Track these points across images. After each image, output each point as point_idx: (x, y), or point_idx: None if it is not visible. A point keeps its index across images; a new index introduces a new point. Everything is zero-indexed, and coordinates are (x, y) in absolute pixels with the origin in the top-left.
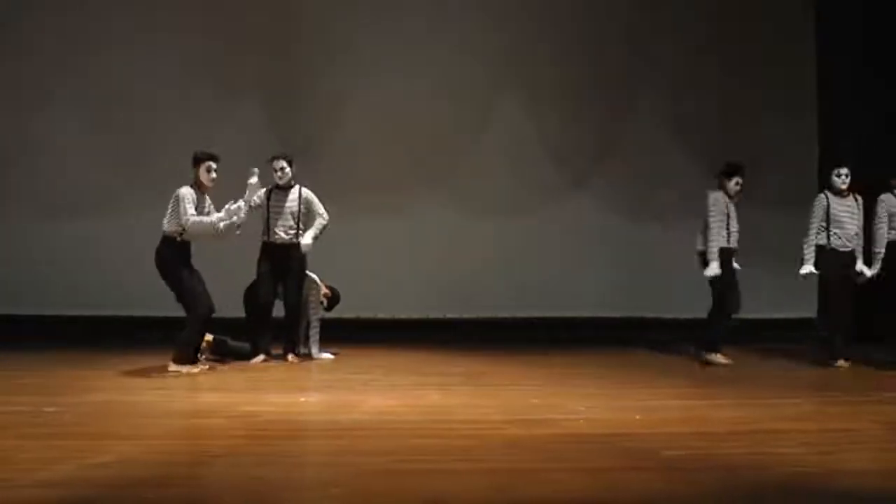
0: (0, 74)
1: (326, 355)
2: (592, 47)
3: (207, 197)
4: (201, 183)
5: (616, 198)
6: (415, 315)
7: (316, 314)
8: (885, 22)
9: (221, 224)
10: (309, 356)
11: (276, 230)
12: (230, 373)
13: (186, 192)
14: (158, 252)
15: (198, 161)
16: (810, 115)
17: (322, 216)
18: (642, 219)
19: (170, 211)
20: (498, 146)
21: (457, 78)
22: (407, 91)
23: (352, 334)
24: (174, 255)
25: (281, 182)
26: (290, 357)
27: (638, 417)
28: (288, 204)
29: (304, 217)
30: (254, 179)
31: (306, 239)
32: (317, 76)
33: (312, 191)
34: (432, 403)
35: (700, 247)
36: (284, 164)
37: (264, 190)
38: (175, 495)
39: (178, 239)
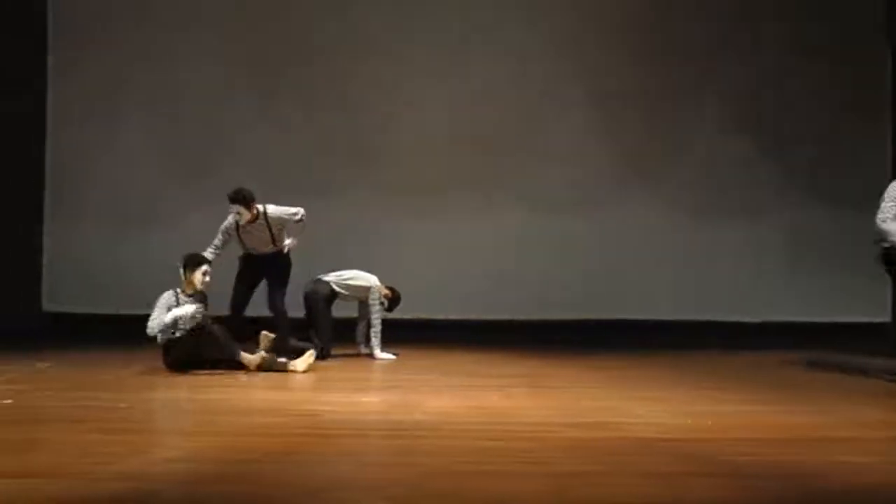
0: (75, 88)
1: (387, 356)
2: (660, 46)
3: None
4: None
5: (684, 198)
6: (474, 316)
7: (377, 315)
8: None
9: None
10: (371, 356)
11: (255, 250)
12: (292, 373)
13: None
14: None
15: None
16: (884, 115)
17: (294, 216)
18: (711, 219)
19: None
20: (563, 144)
21: (514, 77)
22: (469, 89)
23: (412, 335)
24: None
25: (242, 223)
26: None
27: (707, 423)
28: (257, 232)
29: (280, 233)
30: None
31: (288, 244)
32: (366, 77)
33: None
34: (493, 405)
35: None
36: (240, 208)
37: (231, 220)
38: (241, 491)
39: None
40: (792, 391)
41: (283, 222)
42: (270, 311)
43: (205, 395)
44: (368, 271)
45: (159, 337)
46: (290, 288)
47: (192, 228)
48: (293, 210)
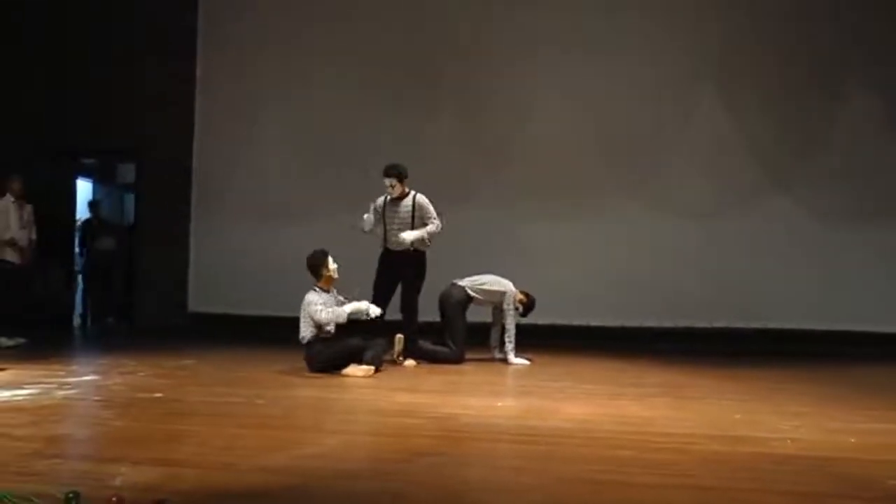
0: (227, 96)
1: (522, 361)
2: (795, 39)
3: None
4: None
5: (823, 199)
6: (608, 323)
7: (511, 320)
8: None
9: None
10: (505, 361)
11: (391, 240)
12: (427, 375)
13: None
14: None
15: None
16: None
17: (433, 221)
18: (853, 221)
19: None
20: (696, 147)
21: (648, 79)
22: (600, 92)
23: (546, 341)
24: None
25: (393, 196)
26: (406, 361)
27: (853, 441)
28: (402, 214)
29: (419, 224)
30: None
31: (409, 235)
32: (503, 82)
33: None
34: (630, 414)
35: None
36: (393, 181)
37: (381, 200)
38: (381, 489)
39: None
40: None
41: (426, 214)
42: (402, 312)
43: (343, 395)
44: (503, 276)
45: (309, 336)
46: (425, 292)
47: (335, 231)
48: (435, 215)
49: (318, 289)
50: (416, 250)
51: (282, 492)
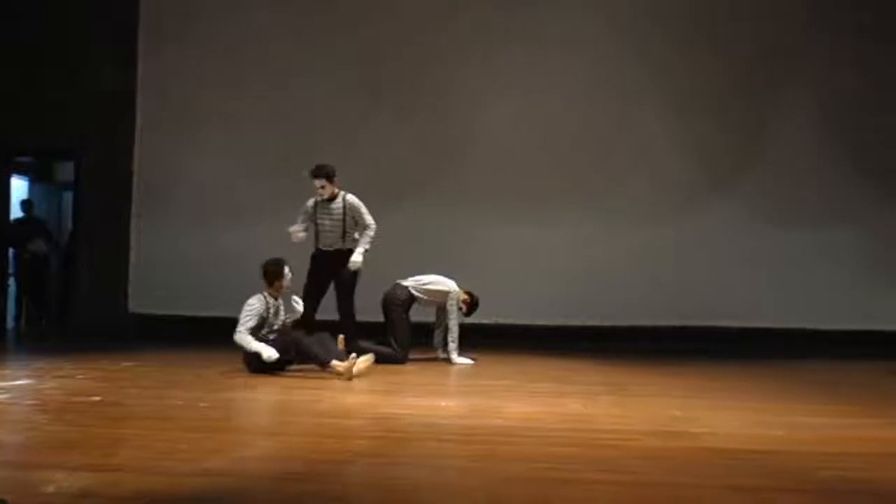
0: (163, 93)
1: (465, 360)
2: (737, 39)
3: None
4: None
5: (759, 202)
6: (552, 322)
7: (455, 320)
8: None
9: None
10: (448, 361)
11: (324, 240)
12: (370, 375)
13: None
14: None
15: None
16: None
17: (368, 219)
18: (794, 221)
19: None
20: (639, 148)
21: (595, 83)
22: (546, 98)
23: (491, 341)
24: None
25: (324, 197)
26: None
27: (786, 434)
28: (334, 215)
29: (352, 226)
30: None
31: (356, 257)
32: (454, 84)
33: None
34: (573, 412)
35: None
36: (323, 181)
37: (311, 202)
38: (322, 491)
39: None
40: (882, 403)
41: (357, 215)
42: (339, 313)
43: (284, 396)
44: (447, 276)
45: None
46: (368, 292)
47: (277, 231)
48: (370, 219)
49: (266, 295)
50: (349, 249)
51: (222, 495)
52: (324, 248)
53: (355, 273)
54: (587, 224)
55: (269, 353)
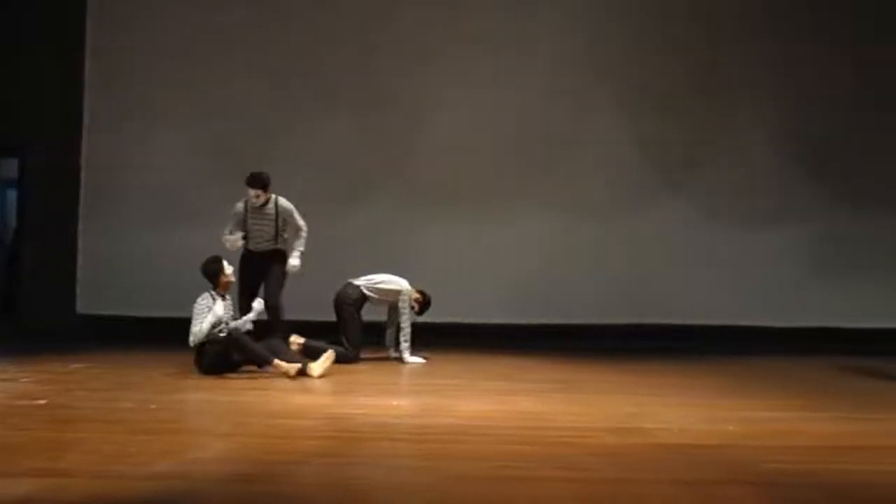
0: (118, 93)
1: (417, 359)
2: (694, 41)
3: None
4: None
5: (713, 201)
6: (505, 320)
7: (407, 319)
8: None
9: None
10: (400, 360)
11: (256, 243)
12: (324, 375)
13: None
14: None
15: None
16: None
17: (300, 222)
18: (743, 221)
19: None
20: (591, 147)
21: (549, 82)
22: (499, 96)
23: (443, 340)
24: None
25: (256, 205)
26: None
27: (734, 429)
28: (265, 220)
29: (283, 228)
30: (258, 307)
31: (294, 261)
32: (403, 82)
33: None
34: (525, 409)
35: None
36: (258, 191)
37: (240, 206)
38: (272, 492)
39: None
40: (830, 398)
41: (289, 217)
42: (267, 310)
43: (235, 397)
44: (400, 275)
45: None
46: (321, 290)
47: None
48: (302, 221)
49: (214, 293)
50: (282, 249)
51: (172, 499)
52: (255, 250)
53: (285, 269)
54: (541, 222)
55: (217, 310)
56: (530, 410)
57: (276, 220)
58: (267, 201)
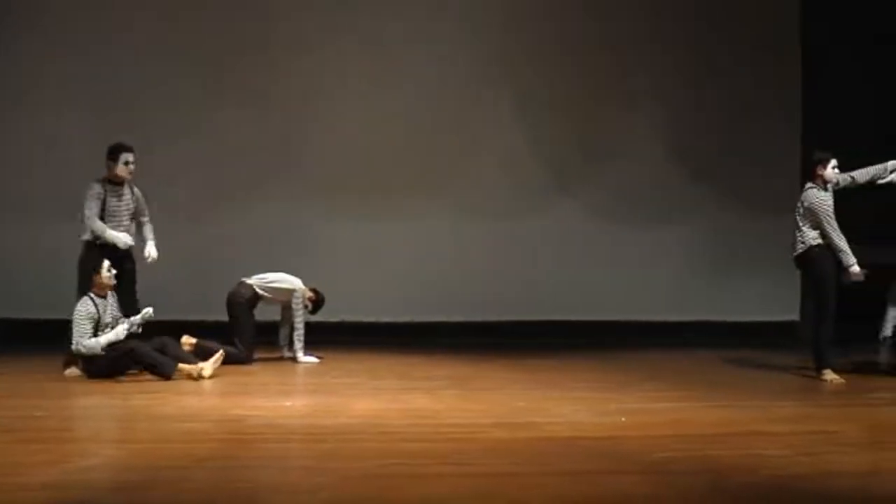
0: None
1: (311, 359)
2: (581, 47)
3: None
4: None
5: (605, 201)
6: (399, 319)
7: (300, 318)
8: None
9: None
10: (294, 360)
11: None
12: (216, 377)
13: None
14: None
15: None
16: (795, 117)
17: (149, 219)
18: (632, 221)
19: None
20: (487, 150)
21: (445, 80)
22: (393, 93)
23: (336, 338)
24: None
25: (129, 178)
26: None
27: (623, 420)
28: (125, 200)
29: (140, 213)
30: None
31: (153, 251)
32: (297, 76)
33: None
34: (419, 407)
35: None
36: (129, 156)
37: (98, 188)
38: (162, 498)
39: None
40: (715, 388)
41: (143, 202)
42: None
43: (125, 402)
44: (293, 274)
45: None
46: (212, 290)
47: None
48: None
49: (92, 295)
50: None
51: None
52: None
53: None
54: (434, 220)
55: (116, 334)
56: (424, 408)
57: (137, 205)
58: (122, 182)
